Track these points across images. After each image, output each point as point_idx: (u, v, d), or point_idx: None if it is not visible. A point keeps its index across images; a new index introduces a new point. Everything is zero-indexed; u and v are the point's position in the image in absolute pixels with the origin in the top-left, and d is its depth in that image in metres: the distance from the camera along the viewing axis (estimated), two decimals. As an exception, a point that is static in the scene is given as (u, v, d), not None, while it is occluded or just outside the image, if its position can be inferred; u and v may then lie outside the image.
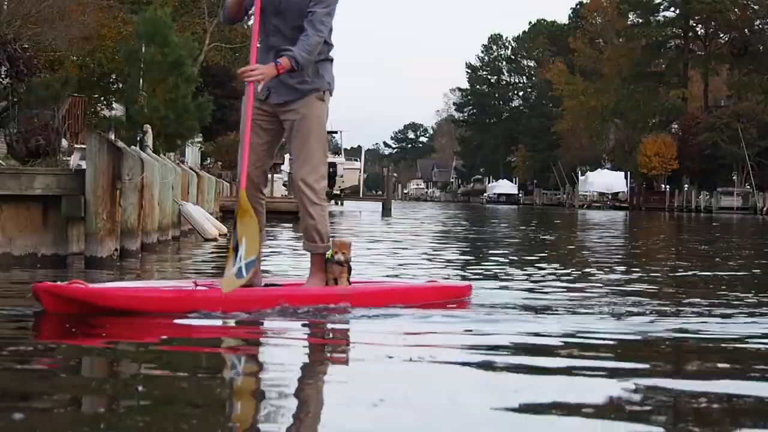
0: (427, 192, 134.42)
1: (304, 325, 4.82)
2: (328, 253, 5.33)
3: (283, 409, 3.08)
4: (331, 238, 5.41)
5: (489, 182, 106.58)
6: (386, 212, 36.52)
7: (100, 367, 3.89)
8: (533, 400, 3.19)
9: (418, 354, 4.05)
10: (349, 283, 5.41)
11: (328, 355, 4.23)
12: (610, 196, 70.12)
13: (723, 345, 4.49)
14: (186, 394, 3.29)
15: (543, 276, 8.09)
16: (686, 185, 63.81)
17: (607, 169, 75.87)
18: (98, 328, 4.62)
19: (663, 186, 67.98)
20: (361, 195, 49.17)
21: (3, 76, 15.19)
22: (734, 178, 62.33)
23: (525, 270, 8.74)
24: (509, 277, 7.91)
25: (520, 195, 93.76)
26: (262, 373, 3.79)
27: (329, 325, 4.86)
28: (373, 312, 5.11)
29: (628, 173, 70.45)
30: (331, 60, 5.42)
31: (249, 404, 3.23)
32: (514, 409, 3.08)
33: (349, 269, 5.40)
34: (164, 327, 4.66)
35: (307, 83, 5.26)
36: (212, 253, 10.74)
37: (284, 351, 4.28)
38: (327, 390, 3.46)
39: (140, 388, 3.30)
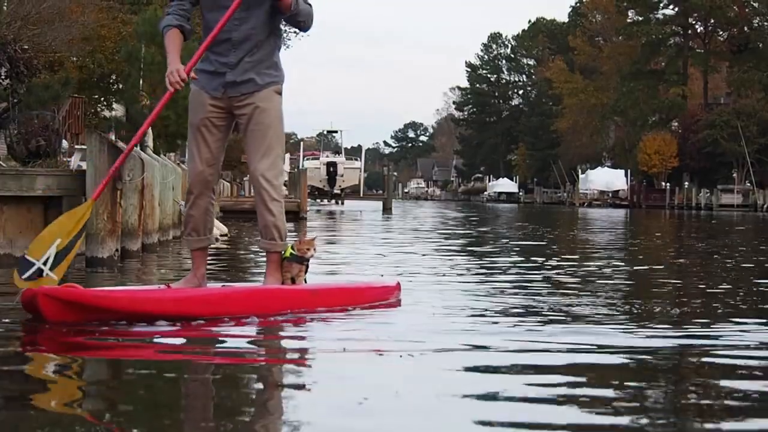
0: (427, 191, 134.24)
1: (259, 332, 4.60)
2: (285, 251, 5.20)
3: (259, 414, 3.02)
4: (298, 235, 5.35)
5: (489, 181, 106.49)
6: (387, 211, 36.61)
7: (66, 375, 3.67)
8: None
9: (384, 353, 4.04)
10: (306, 281, 5.29)
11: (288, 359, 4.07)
12: (610, 194, 70.05)
13: (721, 348, 4.45)
14: (168, 401, 3.31)
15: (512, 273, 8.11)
16: (686, 183, 63.77)
17: (607, 167, 75.84)
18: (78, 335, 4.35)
19: (663, 183, 67.94)
20: (361, 194, 49.23)
21: (3, 77, 15.19)
22: (734, 175, 62.25)
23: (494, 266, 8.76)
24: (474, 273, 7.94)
25: (521, 193, 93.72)
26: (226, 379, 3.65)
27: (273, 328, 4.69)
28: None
29: (628, 171, 70.42)
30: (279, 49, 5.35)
31: (213, 407, 3.12)
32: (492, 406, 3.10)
33: (306, 267, 5.28)
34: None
35: (266, 76, 5.16)
36: (212, 252, 10.74)
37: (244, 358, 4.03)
38: (299, 394, 3.32)
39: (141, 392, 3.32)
